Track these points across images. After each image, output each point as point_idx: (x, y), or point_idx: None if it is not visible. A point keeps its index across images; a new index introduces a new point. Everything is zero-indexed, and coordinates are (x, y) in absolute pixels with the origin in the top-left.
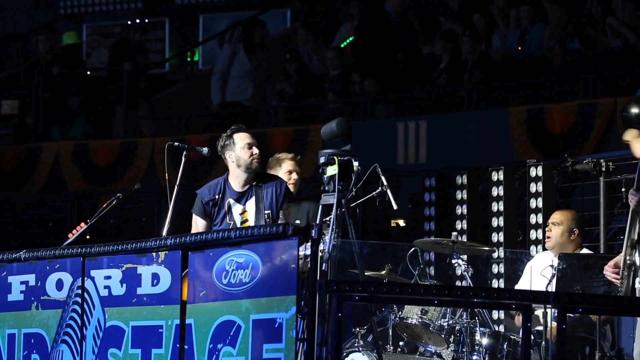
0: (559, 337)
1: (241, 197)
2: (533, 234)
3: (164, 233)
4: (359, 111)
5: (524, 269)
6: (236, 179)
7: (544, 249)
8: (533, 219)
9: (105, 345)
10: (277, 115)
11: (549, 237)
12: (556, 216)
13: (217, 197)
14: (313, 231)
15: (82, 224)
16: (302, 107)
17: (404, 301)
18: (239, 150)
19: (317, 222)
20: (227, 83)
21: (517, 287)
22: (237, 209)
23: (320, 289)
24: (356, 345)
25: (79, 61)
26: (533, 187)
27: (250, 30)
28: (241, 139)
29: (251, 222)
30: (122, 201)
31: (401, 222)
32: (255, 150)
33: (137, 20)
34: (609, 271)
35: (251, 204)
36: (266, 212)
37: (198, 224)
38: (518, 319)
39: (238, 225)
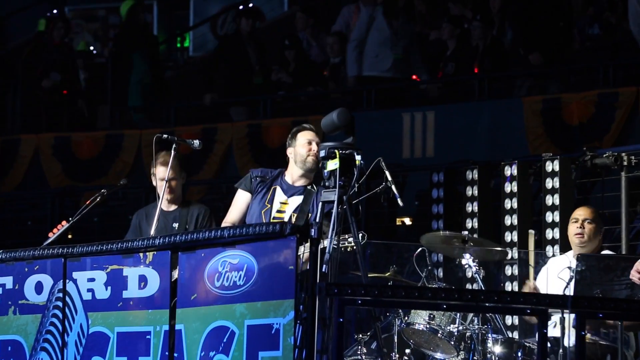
0: (577, 345)
1: (289, 191)
2: (549, 233)
3: (152, 232)
4: (362, 101)
5: (540, 271)
6: (291, 175)
7: (561, 249)
8: (549, 217)
9: (89, 353)
10: (274, 106)
11: (580, 235)
12: (587, 212)
13: (267, 177)
14: (312, 230)
15: (64, 223)
16: (301, 96)
17: (410, 305)
18: (299, 146)
19: (317, 220)
20: (364, 53)
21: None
22: (279, 197)
23: (320, 292)
24: (359, 353)
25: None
26: (549, 183)
27: None
28: (304, 136)
29: (286, 216)
30: (107, 198)
31: (407, 221)
32: (315, 147)
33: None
34: (635, 276)
35: (295, 200)
36: (308, 215)
37: (239, 198)
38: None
39: (274, 211)
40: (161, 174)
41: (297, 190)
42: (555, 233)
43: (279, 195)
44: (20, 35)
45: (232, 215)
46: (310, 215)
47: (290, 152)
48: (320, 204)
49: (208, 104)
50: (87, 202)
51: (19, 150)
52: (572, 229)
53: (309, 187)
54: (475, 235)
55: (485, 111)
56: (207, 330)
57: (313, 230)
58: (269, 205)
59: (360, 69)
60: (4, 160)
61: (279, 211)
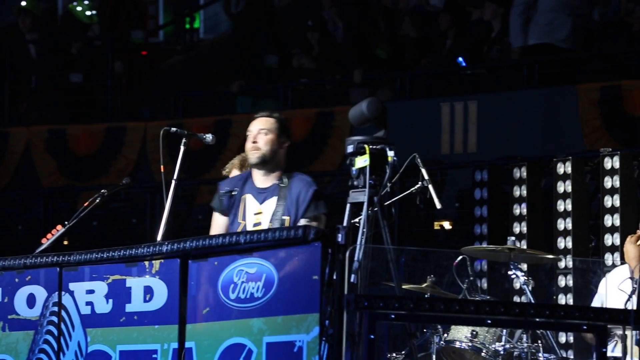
0: None
1: (259, 196)
2: (608, 239)
3: (159, 238)
4: (395, 90)
5: (599, 282)
6: (257, 173)
7: (622, 258)
8: (608, 220)
9: None
10: (295, 95)
11: None
12: None
13: (236, 188)
14: (339, 235)
15: (59, 227)
16: (326, 84)
17: (450, 320)
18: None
19: (345, 224)
20: (532, 20)
21: (590, 304)
22: (252, 207)
23: (348, 305)
24: None
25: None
26: (608, 182)
27: None
28: (249, 127)
29: (265, 226)
30: (108, 199)
31: (446, 225)
32: (256, 139)
33: None
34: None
35: (269, 205)
36: (284, 217)
37: (216, 222)
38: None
39: (249, 226)
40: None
41: (268, 191)
42: (616, 239)
43: (251, 204)
44: (5, 16)
45: None
46: (288, 218)
47: None
48: (348, 205)
49: (236, 91)
50: (85, 204)
51: (8, 145)
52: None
53: (279, 183)
54: (524, 242)
55: (535, 101)
56: (221, 348)
57: (340, 235)
58: (243, 222)
59: (526, 39)
60: None
61: (255, 224)
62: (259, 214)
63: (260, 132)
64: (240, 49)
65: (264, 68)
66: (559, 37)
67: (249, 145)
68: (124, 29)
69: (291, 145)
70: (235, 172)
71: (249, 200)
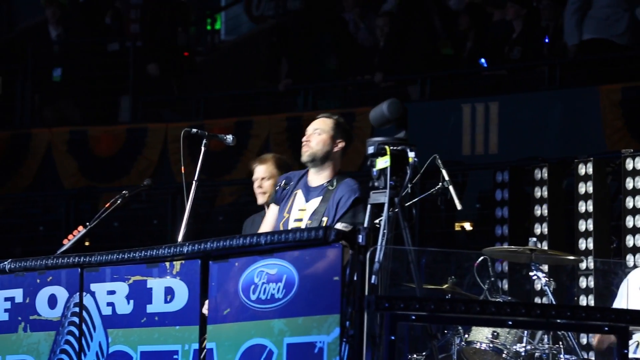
0: None
1: (308, 194)
2: (630, 240)
3: (180, 239)
4: (416, 90)
5: (620, 283)
6: (311, 171)
7: None
8: (630, 221)
9: None
10: (316, 96)
11: None
12: None
13: (291, 182)
14: (360, 236)
15: (80, 228)
16: (347, 85)
17: (471, 322)
18: None
19: (366, 224)
20: (587, 15)
21: (611, 305)
22: (299, 202)
23: (369, 306)
24: None
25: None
26: (629, 183)
27: None
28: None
29: (304, 223)
30: (129, 200)
31: (467, 226)
32: (309, 138)
33: None
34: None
35: (313, 204)
36: (323, 217)
37: (269, 212)
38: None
39: (291, 220)
40: (258, 173)
41: (317, 190)
42: (637, 240)
43: (299, 200)
44: (29, 17)
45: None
46: (327, 219)
47: None
48: (369, 206)
49: (282, 90)
50: (107, 205)
51: (30, 147)
52: None
53: (328, 185)
54: (544, 243)
55: (556, 102)
56: (242, 349)
57: (361, 236)
58: (287, 215)
59: (580, 35)
60: (12, 158)
61: (296, 220)
62: (303, 210)
63: (314, 132)
64: (298, 48)
65: (324, 68)
66: (615, 32)
67: (304, 141)
68: (165, 31)
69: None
70: (260, 168)
71: (298, 196)
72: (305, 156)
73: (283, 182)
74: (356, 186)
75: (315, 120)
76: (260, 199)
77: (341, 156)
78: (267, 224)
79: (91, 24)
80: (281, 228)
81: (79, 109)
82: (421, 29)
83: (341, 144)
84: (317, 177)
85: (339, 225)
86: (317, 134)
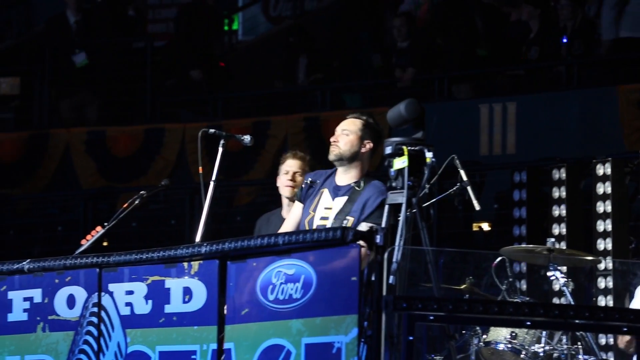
0: None
1: (335, 192)
2: None
3: (198, 239)
4: (434, 91)
5: (638, 283)
6: (338, 170)
7: None
8: None
9: None
10: (334, 96)
11: None
12: None
13: (318, 181)
14: (378, 237)
15: (99, 228)
16: (365, 86)
17: (489, 322)
18: None
19: (384, 225)
20: (625, 12)
21: (630, 305)
22: (325, 201)
23: (387, 306)
24: None
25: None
26: None
27: None
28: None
29: (329, 222)
30: (147, 200)
31: (485, 226)
32: (336, 139)
33: None
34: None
35: (339, 203)
36: (348, 217)
37: (293, 210)
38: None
39: (317, 218)
40: (290, 166)
41: (343, 190)
42: None
43: (325, 199)
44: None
45: (285, 229)
46: (352, 219)
47: None
48: (387, 207)
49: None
50: (125, 205)
51: (48, 147)
52: None
53: (355, 186)
54: (563, 244)
55: (574, 102)
56: (260, 349)
57: (378, 236)
58: (313, 213)
59: (617, 31)
60: (31, 158)
61: (322, 218)
62: (329, 209)
63: (342, 132)
64: (341, 45)
65: (369, 66)
66: None
67: (332, 141)
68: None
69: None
70: (295, 162)
71: (325, 194)
72: (332, 155)
73: (309, 180)
74: (384, 188)
75: (345, 120)
76: (288, 193)
77: (369, 157)
78: (291, 221)
79: (114, 14)
80: (307, 226)
81: (97, 102)
82: (461, 28)
83: (369, 145)
84: (345, 177)
85: (364, 225)
86: (345, 134)
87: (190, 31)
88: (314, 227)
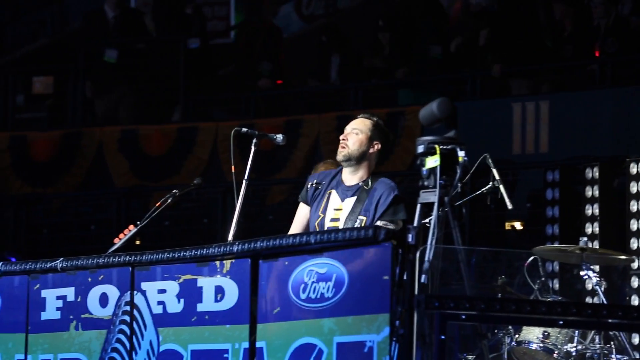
0: None
1: (343, 193)
2: None
3: (230, 238)
4: (466, 90)
5: None
6: (345, 171)
7: None
8: None
9: None
10: (366, 95)
11: None
12: None
13: (323, 182)
14: (409, 235)
15: (131, 227)
16: (396, 85)
17: (521, 321)
18: None
19: (415, 224)
20: None
21: None
22: (334, 202)
23: (419, 305)
24: None
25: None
26: None
27: None
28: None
29: (341, 223)
30: (179, 199)
31: (517, 225)
32: (346, 138)
33: None
34: None
35: (349, 203)
36: (360, 217)
37: (298, 211)
38: None
39: (327, 220)
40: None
41: (352, 190)
42: None
43: (334, 200)
44: (80, 17)
45: (292, 232)
46: (365, 218)
47: None
48: (418, 206)
49: (400, 79)
50: (157, 204)
51: (81, 146)
52: None
53: (364, 185)
54: (596, 243)
55: (607, 100)
56: (292, 348)
57: (410, 235)
58: (322, 215)
59: None
60: (64, 157)
61: (332, 219)
62: (339, 210)
63: (352, 132)
64: (402, 37)
65: (429, 58)
66: None
67: (340, 142)
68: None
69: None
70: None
71: (333, 195)
72: (340, 156)
73: (315, 181)
74: (394, 184)
75: (355, 119)
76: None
77: (377, 157)
78: (297, 224)
79: (172, 12)
80: (317, 228)
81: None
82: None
83: (377, 146)
84: (352, 177)
85: (380, 223)
86: (355, 133)
87: (249, 49)
88: (325, 228)
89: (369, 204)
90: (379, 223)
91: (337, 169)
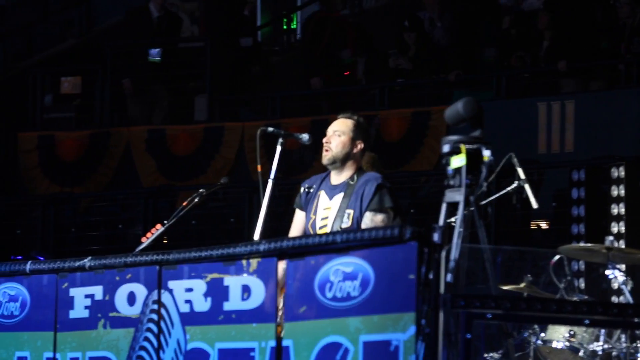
0: None
1: (331, 192)
2: None
3: (256, 237)
4: (491, 89)
5: None
6: (332, 171)
7: None
8: None
9: None
10: (392, 95)
11: None
12: None
13: (314, 185)
14: (435, 235)
15: (159, 226)
16: (423, 85)
17: (547, 320)
18: None
19: (441, 223)
20: None
21: None
22: (323, 202)
23: (445, 304)
24: None
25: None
26: None
27: None
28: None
29: (330, 220)
30: (206, 198)
31: (543, 225)
32: (330, 139)
33: None
34: None
35: (337, 200)
36: (348, 210)
37: (295, 218)
38: None
39: (318, 220)
40: None
41: (339, 188)
42: None
43: (323, 200)
44: (107, 18)
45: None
46: (352, 211)
47: None
48: (444, 205)
49: (452, 80)
50: (184, 204)
51: (109, 145)
52: None
53: (349, 181)
54: (622, 242)
55: (633, 100)
56: (318, 346)
57: (436, 234)
58: (314, 217)
59: None
60: (92, 157)
61: (323, 218)
62: (328, 209)
63: (334, 134)
64: (462, 41)
65: (483, 60)
66: None
67: (324, 144)
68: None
69: (388, 144)
70: None
71: (322, 196)
72: (325, 160)
73: (306, 186)
74: (378, 175)
75: (336, 120)
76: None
77: (361, 156)
78: (294, 231)
79: (230, 12)
80: (310, 230)
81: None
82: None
83: (360, 145)
84: (339, 177)
85: (368, 214)
86: (337, 135)
87: (316, 39)
88: (317, 229)
89: (355, 198)
90: (367, 215)
91: (325, 172)
